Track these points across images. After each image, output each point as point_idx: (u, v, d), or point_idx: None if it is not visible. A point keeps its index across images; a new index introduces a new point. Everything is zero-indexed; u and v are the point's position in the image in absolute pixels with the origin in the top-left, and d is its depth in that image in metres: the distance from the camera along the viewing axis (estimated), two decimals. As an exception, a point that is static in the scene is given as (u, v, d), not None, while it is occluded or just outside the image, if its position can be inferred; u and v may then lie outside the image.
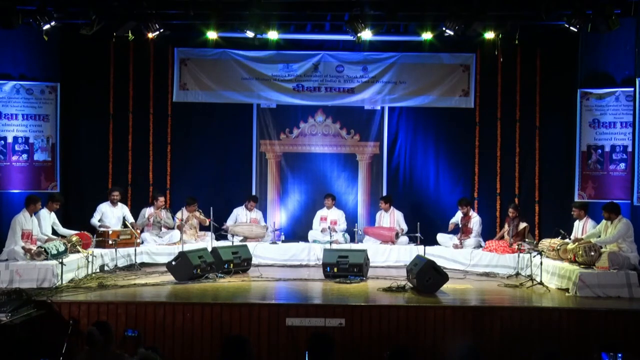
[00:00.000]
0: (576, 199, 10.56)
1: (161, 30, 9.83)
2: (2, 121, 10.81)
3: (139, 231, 10.52)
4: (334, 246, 10.50)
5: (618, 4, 9.33)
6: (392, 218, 11.30)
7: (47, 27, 9.50)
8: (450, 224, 10.96)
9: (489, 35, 10.01)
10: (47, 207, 9.64)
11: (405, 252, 10.62)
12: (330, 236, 10.89)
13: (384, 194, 11.87)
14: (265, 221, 11.68)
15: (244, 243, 10.75)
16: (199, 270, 9.21)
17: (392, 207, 11.35)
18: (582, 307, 7.78)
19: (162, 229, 11.01)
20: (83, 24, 9.68)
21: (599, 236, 8.93)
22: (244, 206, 11.45)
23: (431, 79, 11.74)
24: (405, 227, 11.16)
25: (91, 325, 5.50)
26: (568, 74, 11.08)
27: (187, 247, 10.03)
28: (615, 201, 9.26)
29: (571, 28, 9.40)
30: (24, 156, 10.95)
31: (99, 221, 10.51)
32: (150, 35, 9.88)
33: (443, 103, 11.79)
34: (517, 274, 9.70)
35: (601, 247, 8.71)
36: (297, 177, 12.15)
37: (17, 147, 10.89)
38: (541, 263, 9.01)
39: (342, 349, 7.22)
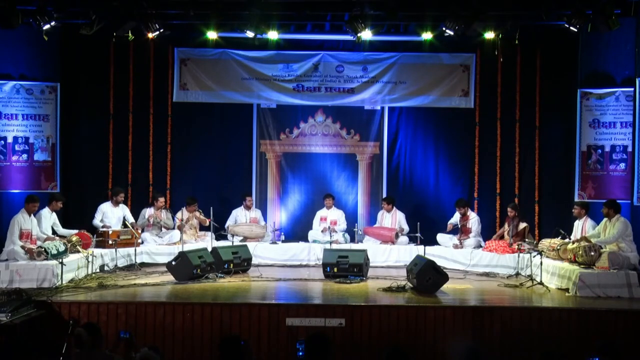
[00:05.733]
0: (576, 199, 10.55)
1: (161, 30, 9.86)
2: (2, 121, 10.81)
3: (139, 231, 10.52)
4: (334, 246, 10.50)
5: (618, 4, 9.32)
6: (394, 219, 11.29)
7: (47, 27, 9.51)
8: (448, 224, 10.98)
9: (489, 35, 10.02)
10: (49, 206, 9.64)
11: (405, 252, 10.63)
12: (330, 236, 10.88)
13: (384, 194, 11.87)
14: (265, 221, 11.68)
15: (244, 243, 10.75)
16: (199, 270, 9.21)
17: (394, 208, 11.35)
18: (582, 307, 7.77)
19: (162, 229, 11.01)
20: (83, 24, 9.69)
21: (599, 236, 8.93)
22: (242, 206, 11.45)
23: (431, 79, 11.73)
24: (406, 228, 11.15)
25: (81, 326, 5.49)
26: (568, 74, 11.08)
27: (187, 247, 10.04)
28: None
29: (571, 28, 9.41)
30: (24, 156, 10.94)
31: (100, 221, 10.52)
32: (150, 35, 9.91)
33: (443, 103, 11.78)
34: (517, 274, 9.69)
35: (601, 247, 8.71)
36: (297, 177, 12.14)
37: (17, 147, 10.88)
38: (541, 263, 9.01)
39: (342, 349, 7.23)
